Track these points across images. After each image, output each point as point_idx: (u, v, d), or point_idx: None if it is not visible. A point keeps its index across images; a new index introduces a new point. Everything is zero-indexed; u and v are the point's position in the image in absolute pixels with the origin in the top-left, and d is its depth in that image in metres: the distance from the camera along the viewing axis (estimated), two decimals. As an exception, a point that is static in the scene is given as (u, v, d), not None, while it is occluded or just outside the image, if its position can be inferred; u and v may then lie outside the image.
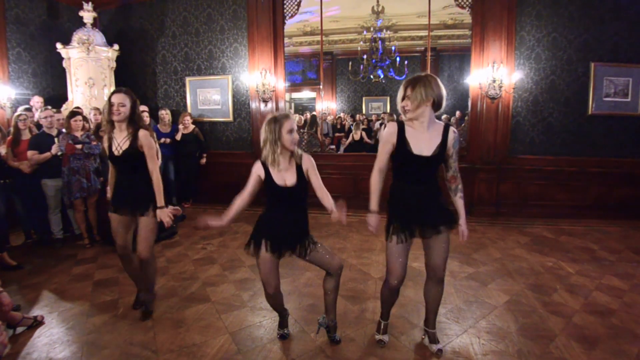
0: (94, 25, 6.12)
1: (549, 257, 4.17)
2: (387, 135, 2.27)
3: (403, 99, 2.21)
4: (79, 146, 4.32)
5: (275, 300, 2.54)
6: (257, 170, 2.32)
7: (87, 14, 5.98)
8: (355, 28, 8.07)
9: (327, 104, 9.40)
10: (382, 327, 2.61)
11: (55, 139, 4.36)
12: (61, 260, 4.10)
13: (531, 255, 4.21)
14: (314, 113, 8.70)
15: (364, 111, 9.41)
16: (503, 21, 5.43)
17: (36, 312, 2.99)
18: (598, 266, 3.93)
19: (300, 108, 9.99)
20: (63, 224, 4.69)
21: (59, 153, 4.31)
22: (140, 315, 2.94)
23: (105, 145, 2.80)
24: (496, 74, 5.37)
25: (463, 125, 6.13)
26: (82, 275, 3.74)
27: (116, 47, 6.15)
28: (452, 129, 2.27)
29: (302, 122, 8.28)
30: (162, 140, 5.77)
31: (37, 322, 2.81)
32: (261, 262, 2.38)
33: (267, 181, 2.30)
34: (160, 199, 2.79)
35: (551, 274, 3.74)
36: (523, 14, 5.52)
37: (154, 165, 2.79)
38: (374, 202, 2.33)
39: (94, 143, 4.46)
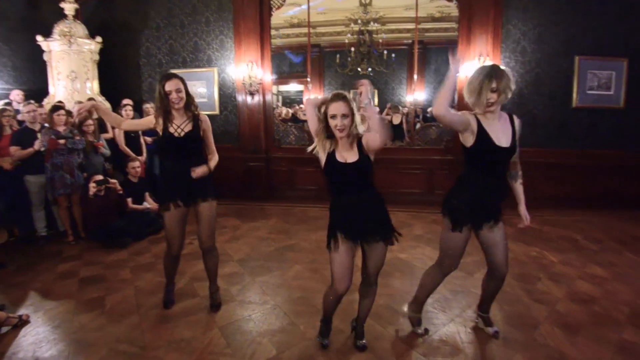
0: (75, 17, 5.96)
1: (533, 246, 4.26)
2: (466, 122, 2.18)
3: (491, 91, 2.11)
4: (62, 141, 4.23)
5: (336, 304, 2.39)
6: (318, 151, 2.20)
7: (69, 6, 5.82)
8: (343, 20, 8.02)
9: (315, 97, 9.36)
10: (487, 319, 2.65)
11: (38, 134, 4.27)
12: (45, 258, 4.03)
13: (516, 245, 4.29)
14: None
15: (352, 104, 9.38)
16: (489, 14, 5.46)
17: (21, 311, 2.94)
18: (581, 255, 4.02)
19: (288, 101, 9.94)
20: (47, 221, 4.60)
21: (42, 149, 4.22)
22: (210, 308, 2.95)
23: (159, 129, 2.66)
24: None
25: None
26: (67, 272, 3.69)
27: (99, 39, 6.01)
28: (516, 118, 2.29)
29: (290, 115, 8.23)
30: (148, 139, 5.70)
31: (23, 321, 2.76)
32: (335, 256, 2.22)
33: (330, 159, 2.15)
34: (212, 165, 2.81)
35: (535, 264, 3.82)
36: (509, 7, 5.56)
37: (212, 147, 2.83)
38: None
39: (77, 138, 4.37)
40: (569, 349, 2.44)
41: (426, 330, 2.62)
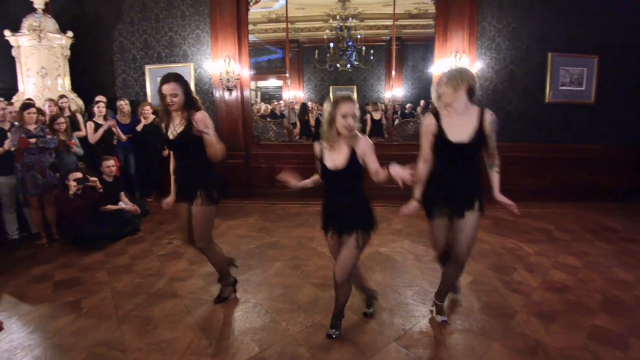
0: (45, 10, 5.72)
1: (509, 238, 4.38)
2: (428, 127, 2.45)
3: (440, 86, 2.35)
4: (32, 140, 4.08)
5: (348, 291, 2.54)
6: (315, 149, 2.40)
7: (38, -1, 5.60)
8: (321, 16, 8.00)
9: (295, 93, 9.31)
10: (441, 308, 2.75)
11: (8, 134, 4.11)
12: (18, 262, 3.89)
13: (492, 237, 4.40)
14: (304, 102, 8.55)
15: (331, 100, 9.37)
16: (466, 11, 5.55)
17: (-8, 316, 2.83)
18: (555, 246, 4.16)
19: (267, 97, 9.85)
20: (19, 223, 4.46)
21: (12, 148, 4.06)
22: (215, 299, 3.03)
23: (164, 131, 2.74)
24: (459, 64, 5.50)
25: (427, 113, 6.28)
26: (41, 276, 3.57)
27: (70, 34, 5.81)
28: (487, 111, 2.36)
29: (269, 111, 8.16)
30: (123, 137, 5.57)
31: (-5, 327, 2.67)
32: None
33: (320, 162, 2.37)
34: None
35: (511, 255, 3.93)
36: (485, 5, 5.67)
37: (213, 145, 2.74)
38: (417, 191, 2.55)
39: (49, 136, 4.23)
40: (545, 337, 2.52)
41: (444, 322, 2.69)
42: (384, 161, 2.23)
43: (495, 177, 2.51)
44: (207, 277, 3.44)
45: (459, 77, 2.29)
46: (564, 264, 3.69)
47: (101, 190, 4.48)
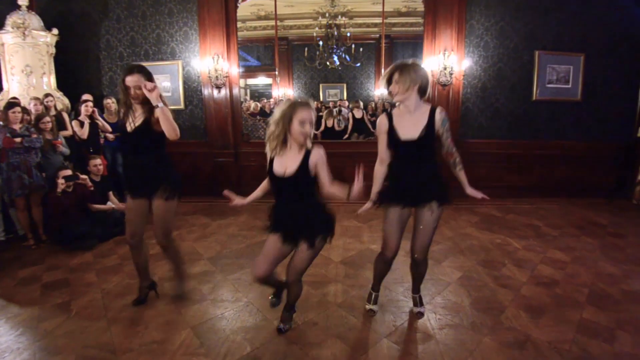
0: (29, 7, 5.60)
1: (497, 234, 4.43)
2: (380, 127, 2.45)
3: (389, 82, 2.35)
4: (18, 140, 4.00)
5: (263, 283, 2.51)
6: (267, 150, 2.25)
7: (22, -5, 5.49)
8: (311, 14, 7.99)
9: (284, 91, 9.29)
10: (372, 297, 2.81)
11: (-8, 133, 4.03)
12: (5, 264, 3.82)
13: (481, 233, 4.45)
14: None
15: (321, 98, 9.40)
16: (454, 10, 5.58)
17: (-22, 319, 2.78)
18: (542, 241, 4.23)
19: (256, 95, 9.81)
20: (5, 225, 4.38)
21: (-3, 147, 3.99)
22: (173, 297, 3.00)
23: (124, 123, 2.65)
24: (447, 62, 5.54)
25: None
26: (29, 278, 3.51)
27: (55, 31, 5.69)
28: (438, 109, 2.37)
29: (259, 109, 8.13)
30: (110, 136, 5.49)
31: (-20, 330, 2.62)
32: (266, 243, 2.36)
33: (269, 167, 2.22)
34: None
35: (500, 250, 3.98)
36: (473, 3, 5.71)
37: (168, 119, 2.49)
38: (373, 191, 2.50)
39: (34, 136, 4.15)
40: (534, 331, 2.56)
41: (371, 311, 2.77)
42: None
43: (461, 175, 2.49)
44: (198, 277, 3.43)
45: (411, 77, 2.27)
46: (552, 259, 3.75)
47: (92, 188, 4.42)
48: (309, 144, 2.16)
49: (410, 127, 2.34)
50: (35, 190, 4.19)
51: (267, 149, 2.24)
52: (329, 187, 2.15)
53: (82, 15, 6.28)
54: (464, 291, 3.12)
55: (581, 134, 5.98)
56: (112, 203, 4.79)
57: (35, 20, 5.53)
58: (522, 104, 5.93)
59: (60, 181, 4.15)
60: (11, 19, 5.37)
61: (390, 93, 2.39)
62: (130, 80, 2.51)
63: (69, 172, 4.27)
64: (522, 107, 5.94)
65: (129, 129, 2.61)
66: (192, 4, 6.02)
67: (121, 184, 5.80)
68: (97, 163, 4.73)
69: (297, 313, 2.78)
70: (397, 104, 2.41)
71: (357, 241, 4.25)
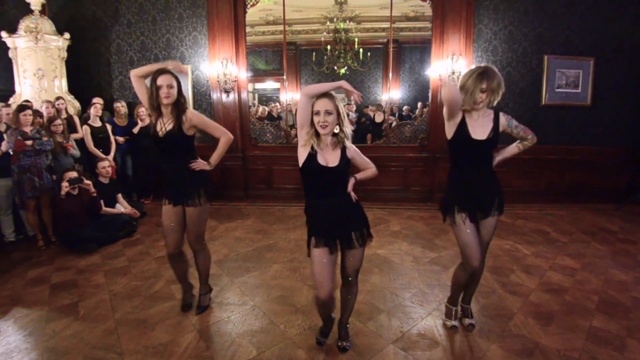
0: (42, 12, 5.73)
1: (506, 240, 4.39)
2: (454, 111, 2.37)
3: (481, 91, 2.31)
4: (29, 142, 4.06)
5: (326, 309, 2.33)
6: (301, 147, 2.18)
7: (35, 0, 5.57)
8: (319, 18, 8.01)
9: (292, 95, 9.32)
10: (453, 313, 2.69)
11: (4, 135, 4.09)
12: (15, 264, 3.87)
13: (490, 239, 4.40)
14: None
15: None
16: (462, 14, 5.57)
17: (-12, 319, 2.82)
18: (552, 247, 4.17)
19: (264, 99, 9.86)
20: (15, 226, 4.43)
21: (9, 150, 4.04)
22: (196, 310, 2.92)
23: (153, 130, 2.66)
24: (455, 66, 5.52)
25: (423, 116, 6.30)
26: (38, 278, 3.55)
27: (67, 35, 5.80)
28: (501, 113, 2.46)
29: (266, 113, 8.16)
30: (120, 139, 5.56)
31: (-10, 330, 2.65)
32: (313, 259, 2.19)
33: (308, 162, 2.14)
34: (214, 158, 2.85)
35: (508, 256, 3.94)
36: (481, 8, 5.69)
37: (218, 131, 2.81)
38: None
39: (45, 139, 4.20)
40: (543, 338, 2.53)
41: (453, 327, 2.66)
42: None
43: (510, 146, 2.59)
44: (205, 280, 3.43)
45: (502, 87, 2.32)
46: (561, 266, 3.70)
47: (94, 194, 4.42)
48: (330, 138, 2.13)
49: (478, 127, 2.37)
50: (46, 192, 4.24)
51: (301, 145, 2.15)
52: (371, 166, 2.31)
53: (93, 19, 6.38)
54: (472, 298, 3.08)
55: (591, 139, 5.91)
56: (121, 205, 4.83)
57: (47, 24, 5.64)
58: (531, 108, 5.89)
59: (64, 184, 4.18)
60: (24, 24, 5.47)
61: (477, 101, 2.33)
62: (164, 78, 2.52)
63: (74, 174, 4.29)
64: (531, 111, 5.89)
65: (160, 133, 2.60)
66: (202, 9, 6.08)
67: (129, 186, 5.88)
68: (105, 165, 4.77)
69: (303, 318, 2.78)
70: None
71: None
